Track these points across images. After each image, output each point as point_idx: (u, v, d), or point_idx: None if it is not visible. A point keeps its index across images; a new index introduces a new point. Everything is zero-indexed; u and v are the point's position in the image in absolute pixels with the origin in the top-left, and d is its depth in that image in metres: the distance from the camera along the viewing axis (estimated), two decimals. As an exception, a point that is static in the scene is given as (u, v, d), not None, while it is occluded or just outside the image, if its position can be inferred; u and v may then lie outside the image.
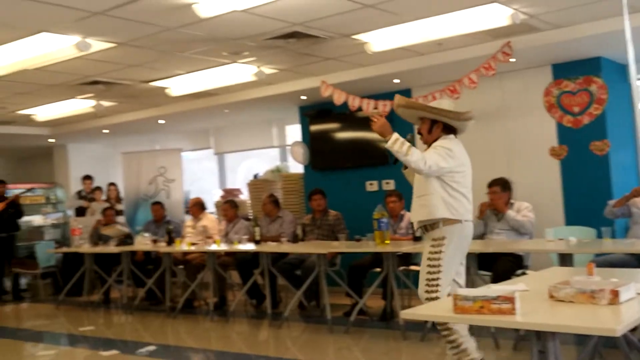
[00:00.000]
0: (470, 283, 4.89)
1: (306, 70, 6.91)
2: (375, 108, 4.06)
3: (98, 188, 10.04)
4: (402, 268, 6.13)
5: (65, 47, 5.28)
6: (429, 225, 3.95)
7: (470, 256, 5.11)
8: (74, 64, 5.92)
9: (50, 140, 10.59)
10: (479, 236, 5.90)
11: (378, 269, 6.15)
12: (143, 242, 7.78)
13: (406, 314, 2.75)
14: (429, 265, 3.93)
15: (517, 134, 6.91)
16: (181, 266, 7.66)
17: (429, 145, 3.99)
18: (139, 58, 6.02)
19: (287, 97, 7.81)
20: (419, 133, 4.09)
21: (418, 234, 4.69)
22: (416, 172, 3.88)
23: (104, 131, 9.98)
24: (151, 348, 5.64)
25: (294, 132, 9.14)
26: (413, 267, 6.39)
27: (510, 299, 2.52)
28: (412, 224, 5.80)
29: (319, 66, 6.73)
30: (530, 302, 2.66)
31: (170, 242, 7.46)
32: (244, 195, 9.40)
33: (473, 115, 3.98)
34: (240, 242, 6.96)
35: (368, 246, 5.96)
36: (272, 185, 8.79)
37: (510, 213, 5.74)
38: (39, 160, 12.32)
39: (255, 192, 8.88)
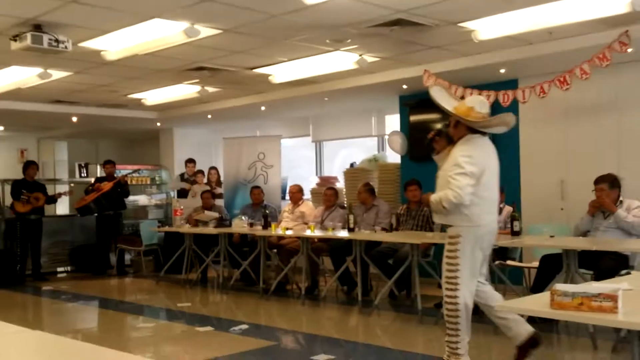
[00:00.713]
0: (570, 281, 4.74)
1: (408, 58, 6.89)
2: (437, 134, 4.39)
3: (200, 171, 10.46)
4: (497, 262, 6.02)
5: (174, 34, 5.54)
6: (447, 226, 4.21)
7: (570, 254, 4.97)
8: (182, 50, 6.20)
9: (157, 124, 11.14)
10: (583, 233, 5.70)
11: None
12: (240, 225, 8.05)
13: (501, 307, 2.73)
14: (447, 264, 4.15)
15: (629, 129, 6.59)
16: (275, 250, 7.88)
17: (456, 141, 4.19)
18: (244, 45, 6.22)
19: (388, 86, 7.82)
20: (449, 124, 4.27)
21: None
22: (458, 208, 4.06)
23: (208, 116, 10.38)
24: (244, 327, 5.86)
25: (393, 122, 9.13)
26: (510, 262, 6.27)
27: (612, 297, 2.44)
28: (510, 217, 5.71)
29: (421, 55, 6.70)
30: (634, 301, 2.58)
31: (266, 226, 7.68)
32: (340, 184, 9.51)
33: (492, 124, 4.13)
34: (334, 228, 7.06)
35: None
36: (368, 175, 8.83)
37: (621, 213, 5.48)
38: (146, 143, 12.99)
39: (351, 181, 8.97)
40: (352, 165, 9.34)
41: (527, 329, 4.09)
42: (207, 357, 4.97)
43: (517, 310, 3.04)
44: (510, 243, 5.60)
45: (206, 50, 6.35)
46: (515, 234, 5.80)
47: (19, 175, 9.57)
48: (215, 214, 8.82)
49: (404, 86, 7.84)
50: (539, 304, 2.69)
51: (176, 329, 6.31)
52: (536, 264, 5.88)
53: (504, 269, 6.12)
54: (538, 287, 5.48)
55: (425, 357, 4.91)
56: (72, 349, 1.97)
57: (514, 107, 6.96)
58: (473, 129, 4.14)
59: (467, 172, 4.02)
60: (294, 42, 6.12)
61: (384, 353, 5.07)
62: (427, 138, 4.52)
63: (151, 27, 5.51)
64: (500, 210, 6.38)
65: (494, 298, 4.24)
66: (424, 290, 6.31)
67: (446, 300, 4.19)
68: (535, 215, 7.07)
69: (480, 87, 6.81)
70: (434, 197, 4.17)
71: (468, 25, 5.65)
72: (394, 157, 8.96)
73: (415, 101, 8.20)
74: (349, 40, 6.10)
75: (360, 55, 6.68)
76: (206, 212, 8.89)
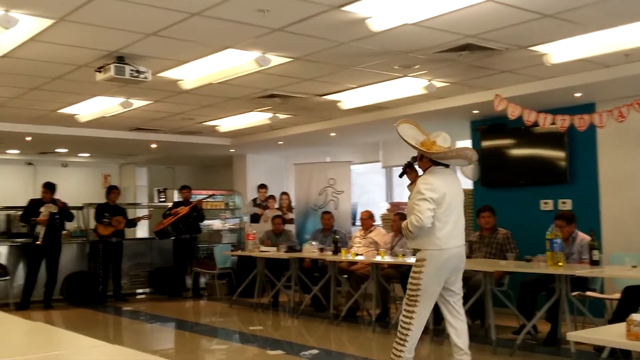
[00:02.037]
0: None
1: (478, 83, 6.82)
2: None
3: (272, 197, 10.63)
4: (576, 293, 5.80)
5: (246, 62, 5.71)
6: (416, 249, 4.69)
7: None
8: (253, 78, 6.37)
9: (231, 150, 11.42)
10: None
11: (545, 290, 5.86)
12: (310, 250, 8.10)
13: (574, 337, 2.63)
14: (410, 283, 4.61)
15: None
16: (346, 276, 7.87)
17: (423, 171, 4.69)
18: (313, 72, 6.33)
19: (458, 111, 7.75)
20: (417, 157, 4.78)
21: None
22: (422, 230, 4.49)
23: (279, 143, 10.56)
24: (314, 352, 5.86)
25: (464, 147, 9.00)
26: (590, 294, 6.01)
27: (693, 329, 2.32)
28: (588, 246, 5.50)
29: (492, 79, 6.61)
30: None
31: (336, 251, 7.69)
32: (411, 210, 9.41)
33: (448, 156, 4.55)
34: (404, 255, 7.00)
35: (539, 267, 5.71)
36: (439, 200, 8.70)
37: None
38: (220, 169, 13.33)
39: (422, 207, 8.84)
40: (422, 191, 9.22)
41: None
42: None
43: (592, 341, 2.92)
44: (589, 273, 5.38)
45: (277, 78, 6.49)
46: (595, 263, 5.58)
47: (102, 199, 10.00)
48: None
49: (475, 111, 7.75)
50: (614, 334, 2.59)
51: (248, 352, 6.38)
52: (618, 295, 5.61)
53: (584, 300, 5.87)
54: (619, 319, 5.22)
55: (497, 388, 4.76)
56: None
57: (590, 132, 6.76)
58: (436, 162, 4.60)
59: (427, 198, 4.45)
60: (363, 68, 6.18)
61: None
62: (402, 170, 4.99)
63: (225, 57, 5.69)
64: (573, 240, 6.16)
65: (460, 331, 4.76)
66: (498, 320, 6.14)
67: (403, 313, 4.62)
68: (616, 243, 6.78)
69: (555, 112, 6.64)
70: (403, 224, 4.66)
71: (539, 49, 5.55)
72: (465, 183, 8.82)
73: (487, 126, 8.08)
74: (417, 66, 6.11)
75: (429, 81, 6.66)
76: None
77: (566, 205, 7.34)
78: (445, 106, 7.60)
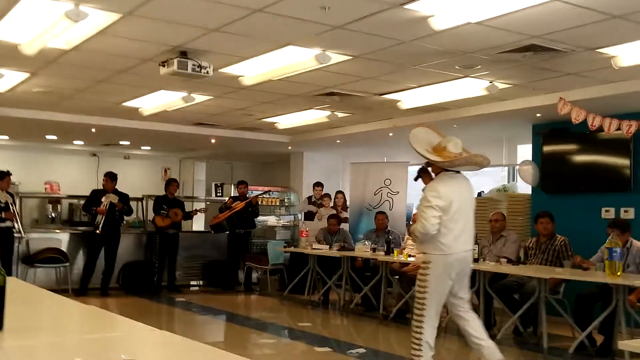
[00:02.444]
0: None
1: (542, 85, 6.68)
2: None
3: (327, 195, 10.67)
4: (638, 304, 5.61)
5: (306, 59, 5.75)
6: (423, 253, 4.78)
7: None
8: (313, 76, 6.41)
9: (288, 147, 11.52)
10: None
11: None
12: (363, 250, 8.10)
13: (627, 346, 2.56)
14: (418, 286, 4.69)
15: None
16: (397, 277, 7.84)
17: (435, 175, 4.76)
18: (373, 70, 6.33)
19: (520, 113, 7.60)
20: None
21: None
22: (427, 236, 4.60)
23: (337, 141, 10.59)
24: (361, 350, 5.86)
25: (525, 152, 8.83)
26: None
27: None
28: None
29: (556, 81, 6.46)
30: None
31: (388, 251, 7.67)
32: (467, 213, 9.29)
33: (454, 164, 4.63)
34: (458, 258, 6.90)
35: (596, 276, 5.56)
36: (496, 205, 8.58)
37: None
38: (277, 166, 13.47)
39: (479, 211, 8.69)
40: (479, 194, 9.11)
41: (497, 357, 4.64)
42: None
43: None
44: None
45: (336, 76, 6.52)
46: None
47: (161, 192, 10.26)
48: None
49: (538, 114, 7.59)
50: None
51: (296, 348, 6.43)
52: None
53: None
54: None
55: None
56: (200, 350, 2.11)
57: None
58: (446, 168, 4.68)
59: (433, 205, 4.53)
60: (423, 68, 6.14)
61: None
62: (416, 174, 5.13)
63: (285, 54, 5.75)
64: (628, 250, 5.95)
65: (474, 326, 4.74)
66: (551, 329, 6.01)
67: (415, 318, 4.71)
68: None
69: (622, 117, 6.44)
70: (411, 228, 4.82)
71: (607, 51, 5.39)
72: (524, 188, 8.65)
73: (549, 130, 7.90)
74: (479, 67, 6.03)
75: (490, 82, 6.56)
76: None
77: (628, 214, 7.12)
78: (506, 108, 7.47)
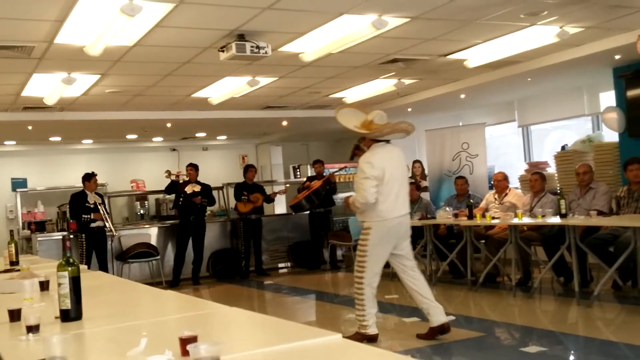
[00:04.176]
0: None
1: (618, 24, 6.26)
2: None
3: (404, 165, 10.50)
4: None
5: (363, 27, 5.63)
6: (361, 221, 5.07)
7: None
8: (372, 44, 6.28)
9: (360, 121, 11.41)
10: None
11: None
12: (445, 217, 7.93)
13: None
14: (359, 250, 5.05)
15: None
16: (483, 241, 7.64)
17: (367, 150, 5.03)
18: (434, 31, 6.13)
19: (597, 58, 7.18)
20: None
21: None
22: (367, 206, 4.90)
23: (408, 109, 10.40)
24: (451, 318, 5.74)
25: (607, 98, 8.36)
26: None
27: None
28: None
29: (633, 18, 6.04)
30: None
31: (471, 216, 7.47)
32: (551, 169, 8.94)
33: (384, 133, 4.94)
34: (544, 215, 6.65)
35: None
36: (582, 157, 8.20)
37: None
38: (351, 142, 13.31)
39: (564, 165, 8.39)
40: (563, 148, 8.73)
41: (443, 319, 5.05)
42: (414, 347, 4.98)
43: None
44: None
45: (397, 41, 6.37)
46: None
47: (240, 179, 10.43)
48: None
49: (617, 56, 7.14)
50: None
51: (385, 320, 6.39)
52: None
53: None
54: None
55: (653, 351, 4.42)
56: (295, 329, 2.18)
57: None
58: (376, 139, 4.97)
59: (369, 176, 4.84)
60: (486, 21, 5.89)
61: (606, 346, 4.67)
62: (351, 153, 5.37)
63: (341, 24, 5.66)
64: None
65: (420, 286, 5.12)
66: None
67: (355, 280, 5.06)
68: None
69: None
70: (351, 200, 5.04)
71: (687, -25, 4.98)
72: (610, 136, 8.20)
73: (632, 72, 7.42)
74: (546, 12, 5.71)
75: (560, 28, 6.21)
76: None
77: None
78: (581, 54, 7.08)
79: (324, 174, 10.51)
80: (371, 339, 4.97)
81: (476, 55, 7.19)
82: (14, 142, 11.86)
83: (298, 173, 13.21)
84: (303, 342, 1.89)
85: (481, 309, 6.46)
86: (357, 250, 5.10)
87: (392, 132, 5.02)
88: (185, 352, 1.73)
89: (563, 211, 6.46)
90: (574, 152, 8.40)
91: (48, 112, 8.79)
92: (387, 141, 5.06)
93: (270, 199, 10.50)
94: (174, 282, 9.44)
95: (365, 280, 5.02)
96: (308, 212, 10.36)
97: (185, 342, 1.75)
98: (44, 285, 3.38)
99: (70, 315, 2.45)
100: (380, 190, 4.88)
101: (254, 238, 10.16)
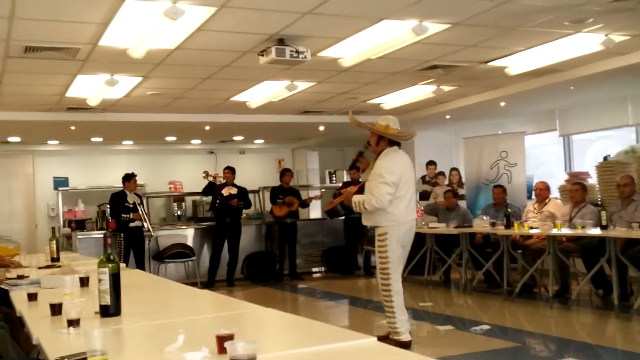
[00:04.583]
0: None
1: (665, 33, 6.13)
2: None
3: (441, 173, 10.44)
4: None
5: (403, 33, 5.62)
6: (374, 226, 5.10)
7: None
8: (412, 50, 6.27)
9: (397, 128, 11.37)
10: None
11: None
12: (481, 225, 7.85)
13: None
14: (379, 257, 5.04)
15: None
16: (520, 251, 7.53)
17: (377, 155, 5.09)
18: (475, 37, 6.09)
19: (643, 67, 7.04)
20: (369, 143, 5.17)
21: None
22: (379, 209, 4.95)
23: (446, 117, 10.33)
24: (485, 327, 5.69)
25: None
26: None
27: None
28: None
29: (681, 27, 5.91)
30: None
31: (508, 225, 7.38)
32: (592, 180, 8.77)
33: (411, 135, 5.21)
34: (584, 227, 6.53)
35: None
36: (625, 168, 8.01)
37: None
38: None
39: (605, 176, 8.22)
40: (605, 158, 8.56)
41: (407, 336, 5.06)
42: (447, 355, 4.94)
43: None
44: None
45: (437, 47, 6.33)
46: None
47: (277, 182, 10.50)
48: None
49: (664, 65, 6.98)
50: None
51: (418, 328, 6.36)
52: None
53: None
54: None
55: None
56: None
57: None
58: (391, 143, 5.06)
59: (388, 182, 4.90)
60: (529, 28, 5.82)
61: (645, 362, 4.55)
62: (352, 160, 5.29)
63: (381, 30, 5.66)
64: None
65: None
66: None
67: (382, 288, 5.08)
68: None
69: None
70: (356, 198, 5.05)
71: None
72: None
73: (679, 81, 7.25)
74: (591, 20, 5.62)
75: (606, 35, 6.10)
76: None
77: None
78: (627, 63, 6.94)
79: (360, 180, 10.49)
80: (404, 346, 4.94)
81: (518, 63, 7.11)
82: (57, 142, 12.14)
83: (334, 178, 13.22)
84: (338, 345, 1.90)
85: (517, 320, 6.38)
86: (378, 257, 5.08)
87: (410, 136, 5.27)
88: (222, 350, 1.75)
89: (604, 223, 6.34)
90: (617, 162, 8.23)
91: (90, 113, 8.99)
92: (399, 146, 5.17)
93: (305, 204, 10.53)
94: (209, 283, 9.53)
95: (393, 287, 5.03)
96: (343, 217, 10.34)
97: (222, 339, 1.77)
98: (84, 282, 3.46)
99: (110, 310, 2.50)
100: (396, 194, 4.96)
101: (289, 242, 10.20)
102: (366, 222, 5.23)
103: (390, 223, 4.98)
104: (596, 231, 6.33)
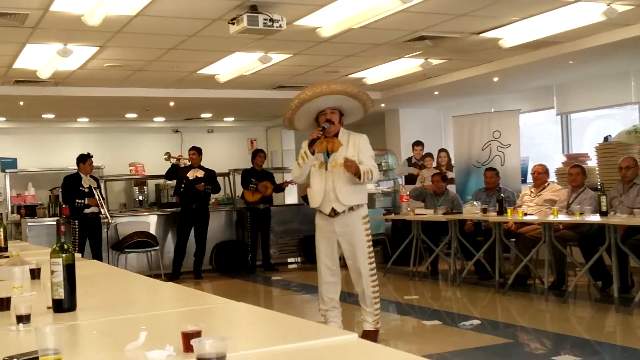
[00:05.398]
0: None
1: (672, 3, 6.20)
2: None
3: (429, 154, 10.50)
4: None
5: (387, 1, 5.59)
6: (355, 206, 5.10)
7: None
8: (397, 19, 6.26)
9: (382, 105, 11.40)
10: None
11: None
12: (472, 211, 7.93)
13: None
14: (368, 240, 5.12)
15: None
16: (514, 239, 7.63)
17: (334, 134, 5.28)
18: (467, 5, 6.11)
19: (648, 40, 7.13)
20: (330, 122, 5.26)
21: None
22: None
23: (435, 93, 10.38)
24: (475, 322, 5.77)
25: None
26: None
27: None
28: None
29: (689, -4, 5.98)
30: None
31: (501, 211, 7.46)
32: (592, 162, 8.90)
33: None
34: (583, 213, 6.63)
35: None
36: (627, 149, 8.15)
37: None
38: (371, 127, 13.30)
39: (606, 158, 8.36)
40: (606, 139, 8.68)
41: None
42: (433, 352, 5.00)
43: None
44: None
45: (425, 16, 6.34)
46: None
47: (248, 164, 10.47)
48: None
49: (670, 38, 7.07)
50: None
51: (403, 323, 6.44)
52: None
53: None
54: None
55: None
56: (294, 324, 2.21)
57: None
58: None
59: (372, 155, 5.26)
60: (525, -4, 5.86)
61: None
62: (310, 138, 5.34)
63: (363, -4, 5.65)
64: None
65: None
66: None
67: (369, 274, 5.18)
68: None
69: None
70: (365, 167, 4.97)
71: None
72: (660, 126, 8.14)
73: (686, 56, 7.35)
74: (593, -13, 5.67)
75: (608, 5, 6.15)
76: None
77: None
78: (630, 35, 7.02)
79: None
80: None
81: (512, 34, 7.15)
82: (3, 119, 11.97)
83: (311, 160, 13.21)
84: (315, 342, 1.90)
85: (509, 314, 6.47)
86: (366, 242, 5.16)
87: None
88: (188, 348, 1.75)
89: (604, 209, 6.44)
90: (618, 143, 8.35)
91: (41, 86, 8.87)
92: None
93: (280, 188, 10.52)
94: (174, 275, 9.52)
95: (375, 272, 5.26)
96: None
97: (188, 337, 1.77)
98: (35, 273, 3.42)
99: (64, 305, 2.48)
100: None
101: (262, 230, 10.20)
102: (352, 201, 5.10)
103: (365, 201, 5.20)
104: (595, 218, 6.43)
